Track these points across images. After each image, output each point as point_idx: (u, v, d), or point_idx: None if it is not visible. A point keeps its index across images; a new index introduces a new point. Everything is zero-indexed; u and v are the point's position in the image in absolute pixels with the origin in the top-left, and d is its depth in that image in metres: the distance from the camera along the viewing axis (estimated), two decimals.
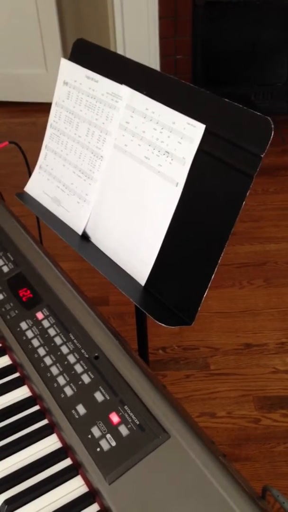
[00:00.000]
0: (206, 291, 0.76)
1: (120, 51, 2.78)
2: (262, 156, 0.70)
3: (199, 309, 0.77)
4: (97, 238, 0.93)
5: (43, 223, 1.00)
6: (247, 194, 0.72)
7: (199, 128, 0.77)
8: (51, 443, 0.67)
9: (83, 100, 0.93)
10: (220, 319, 1.83)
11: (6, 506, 0.61)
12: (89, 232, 0.94)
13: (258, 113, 0.70)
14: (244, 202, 0.72)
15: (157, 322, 0.78)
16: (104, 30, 2.82)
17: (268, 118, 0.69)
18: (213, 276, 0.75)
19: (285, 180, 2.50)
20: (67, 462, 0.65)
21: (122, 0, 2.65)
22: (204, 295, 0.76)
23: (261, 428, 1.49)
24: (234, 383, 1.62)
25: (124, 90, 0.87)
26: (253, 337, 1.76)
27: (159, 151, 0.82)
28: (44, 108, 1.02)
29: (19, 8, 2.81)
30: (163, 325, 0.78)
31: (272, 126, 0.68)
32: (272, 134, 0.68)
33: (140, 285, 0.85)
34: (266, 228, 2.23)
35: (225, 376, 1.64)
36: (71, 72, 0.95)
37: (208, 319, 1.82)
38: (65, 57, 0.98)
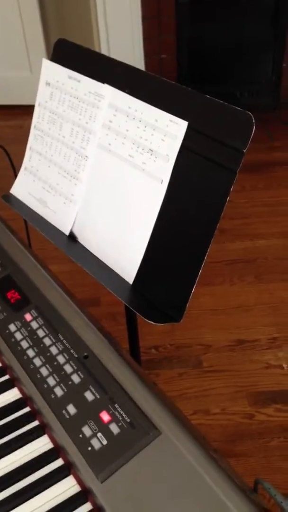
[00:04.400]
0: (194, 287, 0.76)
1: (104, 52, 2.78)
2: (244, 151, 0.70)
3: (187, 306, 0.77)
4: (84, 238, 0.93)
5: (32, 226, 1.00)
6: (231, 189, 0.72)
7: (182, 125, 0.77)
8: (42, 444, 0.67)
9: (66, 100, 0.93)
10: (212, 316, 1.84)
11: None
12: (76, 232, 0.94)
13: (239, 109, 0.70)
14: (228, 198, 0.72)
15: (146, 320, 0.78)
16: (88, 31, 2.82)
17: (249, 113, 0.69)
18: (200, 273, 0.76)
19: (273, 177, 2.51)
20: (59, 462, 0.65)
21: (105, 2, 2.65)
22: (192, 292, 0.77)
23: (255, 424, 1.49)
24: (227, 379, 1.62)
25: (107, 89, 0.87)
26: (245, 333, 1.77)
27: (143, 149, 0.82)
28: (30, 111, 1.02)
29: (1, 11, 2.80)
30: (151, 323, 0.78)
31: (253, 121, 0.69)
32: (254, 129, 0.69)
33: (128, 283, 0.85)
34: (255, 225, 2.23)
35: (218, 373, 1.65)
36: (53, 73, 0.95)
37: (200, 316, 1.82)
38: (49, 58, 0.97)
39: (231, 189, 0.72)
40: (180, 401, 1.56)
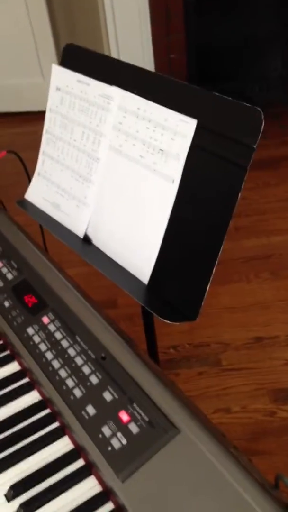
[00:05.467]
0: (208, 285, 0.76)
1: (114, 54, 2.80)
2: (254, 147, 0.70)
3: (202, 304, 0.77)
4: (98, 240, 0.93)
5: (47, 230, 1.01)
6: (242, 186, 0.72)
7: (191, 124, 0.77)
8: (63, 445, 0.67)
9: (76, 104, 0.94)
10: (230, 314, 1.83)
11: (22, 510, 0.61)
12: (91, 235, 0.95)
13: (248, 105, 0.70)
14: (240, 194, 0.72)
15: (161, 319, 0.78)
16: (97, 34, 2.83)
17: (258, 108, 0.69)
18: (213, 270, 0.76)
19: (286, 172, 2.49)
20: (80, 463, 0.65)
21: (113, 4, 2.67)
22: (206, 290, 0.77)
23: (277, 421, 1.48)
24: (247, 377, 1.61)
25: (115, 91, 0.87)
26: (264, 330, 1.76)
27: (153, 149, 0.82)
28: (43, 117, 1.03)
29: (11, 19, 2.83)
30: (167, 322, 0.78)
31: (262, 116, 0.69)
32: (263, 124, 0.68)
33: (143, 283, 0.85)
34: (270, 221, 2.22)
35: (238, 371, 1.64)
36: (62, 78, 0.95)
37: (218, 315, 1.82)
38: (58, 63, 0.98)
39: (243, 185, 0.72)
40: (200, 400, 1.56)
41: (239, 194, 0.72)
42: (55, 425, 0.69)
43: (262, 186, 2.42)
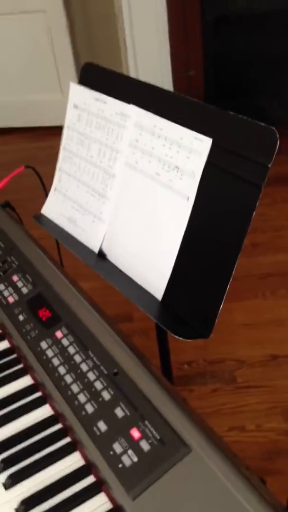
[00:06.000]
0: (222, 303, 0.76)
1: (132, 71, 2.83)
2: (269, 166, 0.70)
3: (216, 321, 0.77)
4: (113, 255, 0.94)
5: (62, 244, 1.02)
6: (257, 204, 0.72)
7: (206, 142, 0.78)
8: (74, 461, 0.67)
9: (93, 121, 0.95)
10: (245, 331, 1.82)
11: None
12: (106, 250, 0.95)
13: (263, 124, 0.71)
14: (254, 213, 0.72)
15: (174, 335, 0.78)
16: (116, 51, 2.87)
17: (273, 128, 0.69)
18: (227, 288, 0.75)
19: None
20: (90, 479, 0.65)
21: (132, 21, 2.71)
22: (220, 308, 0.76)
23: None
24: (262, 395, 1.60)
25: (132, 109, 0.88)
26: (280, 348, 1.74)
27: (169, 167, 0.83)
28: (61, 132, 1.05)
29: (32, 35, 2.89)
30: (180, 338, 0.78)
31: (277, 135, 0.69)
32: (278, 143, 0.69)
33: (157, 299, 0.85)
34: (287, 237, 2.21)
35: (253, 388, 1.62)
36: (80, 96, 0.97)
37: (233, 331, 1.81)
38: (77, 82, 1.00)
39: (257, 203, 0.72)
40: (214, 418, 1.54)
41: (254, 212, 0.72)
42: (67, 440, 0.69)
43: (279, 202, 2.41)
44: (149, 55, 2.80)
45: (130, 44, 2.79)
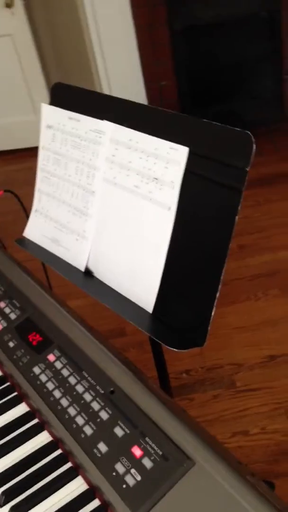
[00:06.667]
0: (214, 309, 0.76)
1: (105, 86, 2.84)
2: (247, 169, 0.70)
3: (209, 328, 0.76)
4: (100, 272, 0.93)
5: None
6: (239, 208, 0.72)
7: (183, 151, 0.78)
8: (77, 486, 0.66)
9: (68, 140, 0.95)
10: (240, 334, 1.81)
11: None
12: (92, 267, 0.95)
13: (238, 129, 0.71)
14: (237, 217, 0.72)
15: (169, 347, 0.77)
16: (87, 68, 2.89)
17: (248, 132, 0.70)
18: (217, 294, 0.75)
19: (286, 187, 2.50)
20: (95, 503, 0.64)
21: (100, 36, 2.72)
22: (212, 314, 0.76)
23: None
24: (263, 397, 1.59)
25: (106, 125, 0.88)
26: (276, 347, 1.74)
27: (147, 179, 0.83)
28: (37, 152, 1.05)
29: (1, 59, 2.89)
30: (175, 349, 0.77)
31: (253, 139, 0.69)
32: (254, 147, 0.69)
33: (148, 312, 0.84)
34: (274, 237, 2.22)
35: (253, 391, 1.62)
36: (53, 116, 0.97)
37: (228, 335, 1.80)
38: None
39: (239, 207, 0.72)
40: (217, 424, 1.53)
41: (237, 216, 0.72)
42: (68, 465, 0.68)
43: (263, 203, 2.43)
44: (120, 69, 2.81)
45: (100, 60, 2.80)
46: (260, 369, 1.68)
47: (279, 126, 2.94)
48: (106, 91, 2.81)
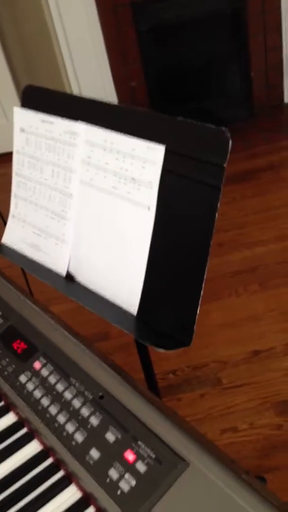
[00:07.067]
0: (198, 308, 0.75)
1: (75, 88, 2.83)
2: (225, 166, 0.70)
3: (194, 328, 0.76)
4: (81, 276, 0.92)
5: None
6: (219, 205, 0.71)
7: (159, 150, 0.77)
8: (71, 494, 0.65)
9: (42, 143, 0.93)
10: (224, 331, 1.82)
11: None
12: (73, 272, 0.93)
13: (213, 126, 0.70)
14: (217, 213, 0.72)
15: (155, 348, 0.76)
16: (56, 71, 2.86)
17: (224, 128, 0.69)
18: (202, 292, 0.75)
19: (260, 183, 2.52)
20: (90, 510, 0.63)
21: (67, 39, 2.71)
22: (197, 313, 0.75)
23: (285, 434, 1.46)
24: (250, 393, 1.60)
25: (80, 127, 0.87)
26: (259, 343, 1.75)
27: (125, 179, 0.82)
28: (10, 158, 1.03)
29: None
30: (162, 350, 0.76)
31: (229, 135, 0.69)
32: (230, 142, 0.69)
33: (132, 315, 0.84)
34: (251, 233, 2.23)
35: (239, 387, 1.62)
36: (25, 119, 0.95)
37: (212, 333, 1.80)
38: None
39: (219, 203, 0.72)
40: (206, 423, 1.53)
41: (217, 213, 0.72)
42: (60, 474, 0.67)
43: (239, 200, 2.44)
44: (89, 71, 2.80)
45: (69, 62, 2.78)
46: (245, 365, 1.69)
47: (249, 123, 2.97)
48: (76, 93, 2.79)
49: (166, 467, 0.60)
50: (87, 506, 0.63)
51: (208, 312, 1.87)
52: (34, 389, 0.74)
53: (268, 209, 2.33)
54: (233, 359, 1.71)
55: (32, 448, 0.71)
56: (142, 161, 0.79)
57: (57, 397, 0.72)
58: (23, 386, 0.75)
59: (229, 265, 2.08)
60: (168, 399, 1.62)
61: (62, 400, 0.71)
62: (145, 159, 0.79)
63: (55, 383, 0.74)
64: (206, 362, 1.72)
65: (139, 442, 0.63)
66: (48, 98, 0.94)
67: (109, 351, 1.77)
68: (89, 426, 0.67)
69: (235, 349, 1.74)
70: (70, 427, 0.68)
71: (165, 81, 2.96)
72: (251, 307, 1.89)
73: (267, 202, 2.38)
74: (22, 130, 0.96)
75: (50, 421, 0.70)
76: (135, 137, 0.80)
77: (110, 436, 0.65)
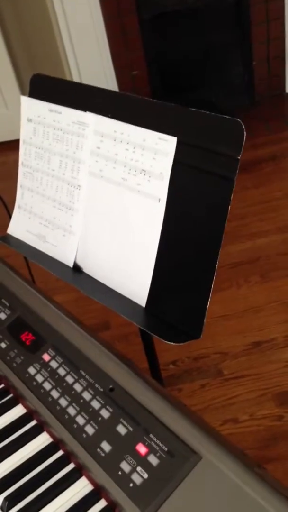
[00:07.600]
0: (209, 301, 0.75)
1: (75, 77, 2.80)
2: (238, 158, 0.69)
3: (204, 320, 0.76)
4: (89, 268, 0.91)
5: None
6: (231, 197, 0.71)
7: (171, 141, 0.76)
8: (82, 487, 0.65)
9: (50, 133, 0.92)
10: (224, 322, 1.82)
11: None
12: (81, 263, 0.93)
13: (227, 117, 0.70)
14: (230, 205, 0.71)
15: (165, 342, 0.76)
16: (57, 60, 2.83)
17: (239, 120, 0.69)
18: (212, 285, 0.74)
19: (261, 174, 2.51)
20: (102, 503, 0.63)
21: (69, 28, 2.67)
22: (207, 305, 0.75)
23: (286, 425, 1.47)
24: (250, 384, 1.60)
25: (89, 117, 0.86)
26: (260, 334, 1.75)
27: (135, 171, 0.81)
28: (11, 146, 1.02)
29: None
30: (171, 343, 0.76)
31: (243, 127, 0.68)
32: (245, 134, 0.68)
33: (141, 307, 0.83)
34: (252, 224, 2.23)
35: (240, 379, 1.62)
36: (33, 108, 0.94)
37: (213, 324, 1.81)
38: (23, 93, 0.97)
39: (232, 196, 0.71)
40: (207, 413, 1.54)
41: (229, 205, 0.71)
42: (71, 466, 0.67)
43: (239, 190, 2.42)
44: (91, 60, 2.77)
45: (70, 51, 2.75)
46: (246, 356, 1.69)
47: (250, 112, 2.95)
48: (77, 81, 2.76)
49: (178, 460, 0.60)
50: (98, 499, 0.63)
51: (210, 303, 1.86)
52: (44, 381, 0.74)
53: (270, 200, 2.32)
54: (234, 350, 1.71)
55: (42, 440, 0.71)
56: (153, 152, 0.78)
57: (67, 389, 0.72)
58: (32, 378, 0.75)
59: (229, 256, 2.08)
60: (169, 389, 1.62)
61: (72, 392, 0.71)
62: (156, 150, 0.78)
63: (65, 375, 0.73)
64: (207, 353, 1.72)
65: (151, 435, 0.63)
66: (56, 87, 0.93)
67: (109, 341, 1.77)
68: (100, 419, 0.67)
69: (236, 340, 1.74)
70: (80, 420, 0.68)
71: (167, 70, 2.93)
72: (252, 299, 1.89)
73: (269, 193, 2.38)
74: (30, 120, 0.95)
75: (60, 414, 0.70)
76: (145, 128, 0.79)
77: (121, 429, 0.65)
